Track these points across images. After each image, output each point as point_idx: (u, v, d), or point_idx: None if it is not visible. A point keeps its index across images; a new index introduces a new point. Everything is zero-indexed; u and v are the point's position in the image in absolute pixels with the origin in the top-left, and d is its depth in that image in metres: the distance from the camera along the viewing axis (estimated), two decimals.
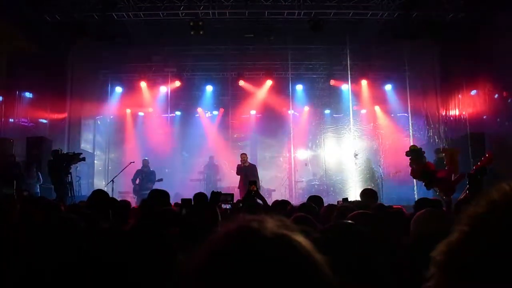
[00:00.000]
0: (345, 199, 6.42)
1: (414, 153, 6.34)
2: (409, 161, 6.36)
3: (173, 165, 15.83)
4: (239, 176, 12.10)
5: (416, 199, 6.96)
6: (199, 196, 5.45)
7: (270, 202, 7.21)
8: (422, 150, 6.60)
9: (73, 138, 13.83)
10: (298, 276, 0.73)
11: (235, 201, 6.41)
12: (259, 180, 12.20)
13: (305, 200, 5.64)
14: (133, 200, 11.18)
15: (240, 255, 0.73)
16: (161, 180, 12.82)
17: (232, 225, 0.80)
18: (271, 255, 0.73)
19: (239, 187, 11.97)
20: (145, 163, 13.25)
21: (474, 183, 5.35)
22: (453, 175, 6.23)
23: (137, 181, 13.00)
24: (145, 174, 13.03)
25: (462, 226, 0.92)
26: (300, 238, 0.79)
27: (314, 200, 5.18)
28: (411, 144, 14.06)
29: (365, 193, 6.26)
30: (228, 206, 6.03)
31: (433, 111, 13.81)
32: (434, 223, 2.95)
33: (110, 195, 10.49)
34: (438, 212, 3.25)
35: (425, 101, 14.25)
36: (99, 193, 4.69)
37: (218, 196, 5.37)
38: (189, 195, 5.66)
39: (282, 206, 5.29)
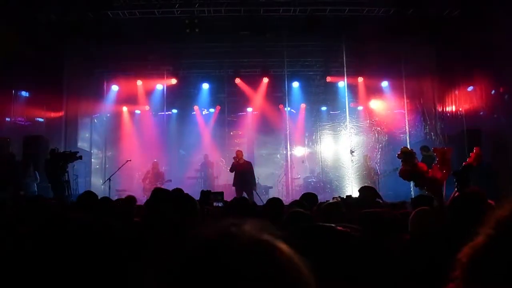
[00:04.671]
0: (349, 196, 6.46)
1: (405, 155, 6.38)
2: (401, 163, 6.41)
3: (170, 163, 15.83)
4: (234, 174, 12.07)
5: (412, 197, 7.00)
6: (175, 193, 5.27)
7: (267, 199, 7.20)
8: (413, 151, 6.64)
9: (70, 136, 13.79)
10: (279, 283, 0.70)
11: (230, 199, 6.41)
12: (255, 178, 12.18)
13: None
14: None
15: (219, 263, 0.69)
16: (169, 181, 13.02)
17: (209, 231, 0.75)
18: (251, 263, 0.69)
19: (234, 185, 11.93)
20: (154, 165, 14.03)
21: (461, 181, 5.39)
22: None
23: (147, 181, 13.62)
24: (152, 175, 13.77)
25: (488, 229, 0.92)
26: (281, 244, 0.75)
27: (308, 198, 5.16)
28: (408, 140, 14.16)
29: (363, 189, 6.28)
30: (220, 204, 6.03)
31: (429, 107, 13.81)
32: (428, 222, 3.00)
33: (107, 193, 10.61)
34: (431, 211, 3.29)
35: (421, 98, 14.26)
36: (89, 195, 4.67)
37: (208, 195, 5.37)
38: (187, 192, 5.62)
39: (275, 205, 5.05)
